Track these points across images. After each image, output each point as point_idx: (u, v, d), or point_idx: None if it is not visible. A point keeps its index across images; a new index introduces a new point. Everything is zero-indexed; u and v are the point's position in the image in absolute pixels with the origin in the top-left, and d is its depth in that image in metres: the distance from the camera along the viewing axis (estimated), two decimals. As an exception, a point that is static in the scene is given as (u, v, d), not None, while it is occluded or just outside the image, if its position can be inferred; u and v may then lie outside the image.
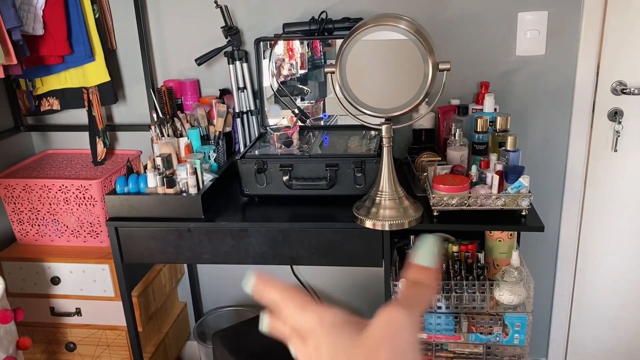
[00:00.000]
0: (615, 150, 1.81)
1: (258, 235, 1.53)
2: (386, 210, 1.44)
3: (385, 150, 1.43)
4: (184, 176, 1.55)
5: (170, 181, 1.56)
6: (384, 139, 1.42)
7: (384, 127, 1.40)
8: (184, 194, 1.55)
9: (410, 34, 1.30)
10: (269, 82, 1.84)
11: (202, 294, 2.28)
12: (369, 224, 1.44)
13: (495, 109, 1.73)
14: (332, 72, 1.36)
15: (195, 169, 1.56)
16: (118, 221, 1.56)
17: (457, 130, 1.66)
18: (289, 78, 1.84)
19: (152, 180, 1.56)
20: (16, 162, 2.01)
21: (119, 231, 1.58)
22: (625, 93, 1.75)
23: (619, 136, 1.79)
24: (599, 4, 1.69)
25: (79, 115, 2.05)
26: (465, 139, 1.67)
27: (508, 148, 1.53)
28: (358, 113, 1.39)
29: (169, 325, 2.12)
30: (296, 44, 1.80)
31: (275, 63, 1.82)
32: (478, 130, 1.65)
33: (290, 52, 1.83)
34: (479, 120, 1.65)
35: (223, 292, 2.26)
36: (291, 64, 1.84)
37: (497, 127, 1.64)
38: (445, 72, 1.34)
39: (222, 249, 1.55)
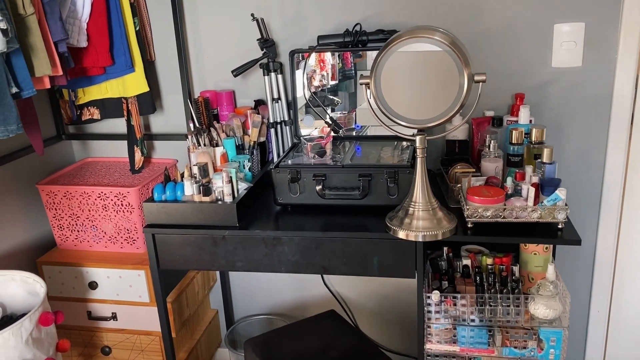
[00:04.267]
0: (655, 164, 1.78)
1: (291, 244, 1.54)
2: (420, 221, 1.44)
3: (419, 160, 1.43)
4: (219, 185, 1.58)
5: (206, 189, 1.59)
6: (417, 150, 1.42)
7: (417, 138, 1.41)
8: (220, 202, 1.58)
9: (445, 46, 1.31)
10: (302, 92, 1.86)
11: (234, 302, 2.30)
12: (402, 234, 1.44)
13: (530, 121, 1.71)
14: (367, 84, 1.38)
15: (231, 177, 1.59)
16: (155, 228, 1.60)
17: (492, 141, 1.65)
18: (319, 89, 1.86)
19: (189, 189, 1.60)
20: (57, 170, 2.07)
21: (156, 238, 1.61)
22: (665, 105, 1.72)
23: (658, 149, 1.76)
24: (638, 14, 1.66)
25: (118, 125, 2.11)
26: (500, 150, 1.66)
27: (544, 160, 1.52)
28: (392, 124, 1.40)
29: (201, 332, 2.15)
30: (327, 55, 1.82)
31: (307, 74, 1.85)
32: (513, 142, 1.64)
33: (322, 64, 1.85)
34: (514, 131, 1.64)
35: (254, 300, 2.28)
36: (322, 75, 1.86)
37: (533, 139, 1.63)
38: (480, 83, 1.34)
39: (256, 256, 1.57)
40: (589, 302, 1.98)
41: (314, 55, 1.82)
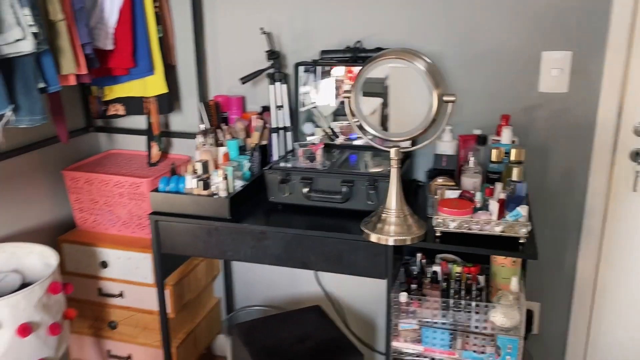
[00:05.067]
0: (635, 190, 1.84)
1: (275, 239, 1.69)
2: (391, 226, 1.56)
3: (393, 171, 1.56)
4: (216, 180, 1.75)
5: (205, 184, 1.75)
6: (392, 161, 1.55)
7: (392, 150, 1.54)
8: (215, 196, 1.74)
9: (420, 69, 1.43)
10: (328, 101, 2.01)
11: (235, 292, 2.47)
12: (374, 237, 1.56)
13: (513, 141, 1.81)
14: (348, 97, 1.52)
15: (227, 175, 1.75)
16: (158, 215, 1.78)
17: (472, 158, 1.75)
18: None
19: (190, 182, 1.77)
20: (84, 158, 2.29)
21: (159, 224, 1.79)
22: (647, 134, 1.78)
23: (639, 176, 1.81)
24: (623, 45, 1.74)
25: (141, 121, 2.31)
26: (479, 167, 1.76)
27: (514, 179, 1.61)
28: (374, 136, 1.53)
29: (201, 317, 2.32)
30: (355, 69, 1.93)
31: (336, 84, 1.98)
32: (493, 160, 1.74)
33: (350, 74, 1.97)
34: (494, 150, 1.74)
35: (254, 292, 2.43)
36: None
37: (512, 159, 1.72)
38: (450, 103, 1.45)
39: (243, 248, 1.73)
40: (567, 321, 2.04)
41: (343, 68, 1.94)
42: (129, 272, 2.08)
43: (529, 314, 2.06)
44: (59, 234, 2.20)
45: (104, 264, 2.10)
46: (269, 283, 2.41)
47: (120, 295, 2.12)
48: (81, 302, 2.17)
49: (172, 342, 2.09)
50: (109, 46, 1.91)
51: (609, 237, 1.93)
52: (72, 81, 1.75)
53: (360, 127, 1.55)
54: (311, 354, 1.72)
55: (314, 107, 2.00)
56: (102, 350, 2.23)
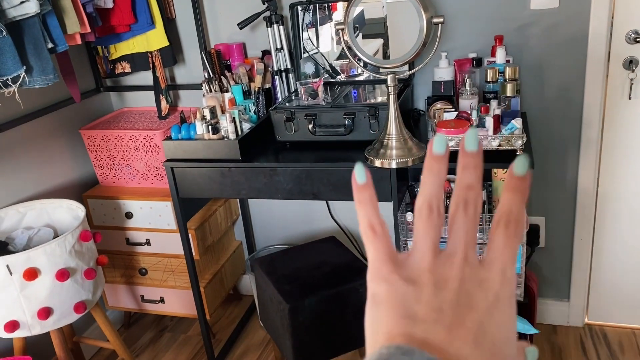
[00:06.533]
0: (630, 98, 1.88)
1: (285, 174, 1.79)
2: (393, 150, 1.64)
3: (391, 97, 1.63)
4: (225, 124, 1.84)
5: (214, 129, 1.84)
6: (389, 87, 1.61)
7: (388, 77, 1.60)
8: (226, 139, 1.83)
9: (407, -7, 1.48)
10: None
11: (255, 234, 2.59)
12: (377, 163, 1.65)
13: (507, 61, 1.86)
14: (342, 29, 1.57)
15: (234, 118, 1.83)
16: (173, 162, 1.88)
17: (467, 80, 1.81)
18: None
19: (200, 128, 1.86)
20: (98, 118, 2.39)
21: (175, 171, 1.90)
22: (639, 42, 1.81)
23: (633, 84, 1.86)
24: (611, -45, 1.75)
25: (148, 77, 2.39)
26: (476, 88, 1.82)
27: (507, 94, 1.67)
28: (372, 65, 1.60)
29: (225, 259, 2.45)
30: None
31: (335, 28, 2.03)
32: (488, 80, 1.80)
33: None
34: (489, 71, 1.79)
35: (273, 232, 2.56)
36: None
37: (507, 77, 1.78)
38: (440, 25, 1.50)
39: (256, 185, 1.83)
40: (572, 231, 2.13)
41: (341, 8, 1.98)
42: (152, 221, 2.21)
43: (535, 229, 2.15)
44: (84, 190, 2.32)
45: (129, 215, 2.23)
46: (286, 222, 2.52)
47: (147, 243, 2.26)
48: (111, 253, 2.31)
49: (200, 282, 2.23)
50: (109, 4, 1.97)
51: (607, 147, 1.99)
52: (78, 40, 1.82)
53: (357, 58, 1.61)
54: (328, 277, 1.84)
55: (316, 54, 2.06)
56: (136, 296, 2.39)
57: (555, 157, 2.05)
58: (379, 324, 0.34)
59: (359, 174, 0.37)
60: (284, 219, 2.51)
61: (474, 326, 0.32)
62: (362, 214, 0.37)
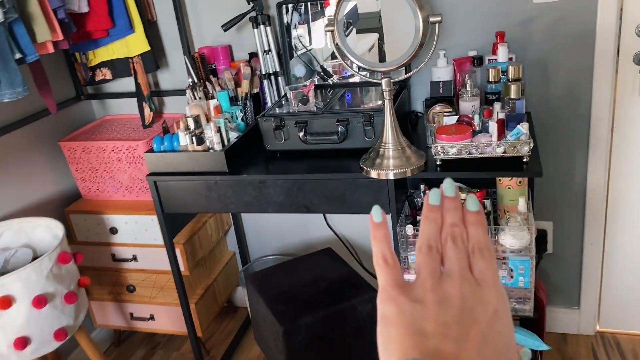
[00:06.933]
0: (642, 95, 1.77)
1: (275, 187, 1.67)
2: (390, 160, 1.53)
3: (386, 103, 1.51)
4: (210, 134, 1.72)
5: (199, 139, 1.72)
6: (384, 93, 1.49)
7: (383, 82, 1.48)
8: (211, 151, 1.71)
9: (400, -10, 1.36)
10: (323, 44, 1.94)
11: (249, 244, 2.48)
12: (373, 174, 1.53)
13: (510, 59, 1.74)
14: (331, 31, 1.45)
15: (219, 127, 1.71)
16: (156, 176, 1.76)
17: (468, 81, 1.69)
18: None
19: (183, 139, 1.74)
20: (79, 128, 2.27)
21: (158, 185, 1.78)
22: (650, 35, 1.70)
23: (644, 80, 1.74)
24: (619, -58, 1.63)
25: (131, 83, 2.26)
26: (477, 89, 1.70)
27: (512, 96, 1.55)
28: (364, 69, 1.48)
29: (217, 271, 2.34)
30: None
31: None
32: (490, 80, 1.68)
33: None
34: (490, 70, 1.67)
35: (266, 242, 2.44)
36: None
37: (510, 77, 1.66)
38: (437, 24, 1.38)
39: (245, 199, 1.71)
40: (582, 236, 2.02)
41: (333, 7, 1.86)
42: (138, 236, 2.09)
43: (542, 234, 2.04)
44: (66, 205, 2.20)
45: (114, 230, 2.11)
46: (280, 231, 2.41)
47: (134, 258, 2.14)
48: (97, 270, 2.20)
49: (190, 298, 2.12)
50: (84, 8, 1.85)
51: (617, 147, 1.87)
52: (50, 48, 1.70)
53: (348, 60, 1.49)
54: (325, 294, 1.73)
55: (309, 51, 1.93)
56: (125, 314, 2.27)
57: (562, 158, 1.94)
58: (391, 343, 0.38)
59: (376, 215, 0.44)
60: (279, 228, 2.40)
61: (478, 338, 0.36)
62: (377, 248, 0.43)
